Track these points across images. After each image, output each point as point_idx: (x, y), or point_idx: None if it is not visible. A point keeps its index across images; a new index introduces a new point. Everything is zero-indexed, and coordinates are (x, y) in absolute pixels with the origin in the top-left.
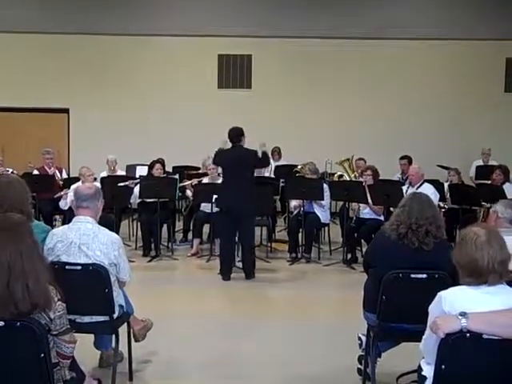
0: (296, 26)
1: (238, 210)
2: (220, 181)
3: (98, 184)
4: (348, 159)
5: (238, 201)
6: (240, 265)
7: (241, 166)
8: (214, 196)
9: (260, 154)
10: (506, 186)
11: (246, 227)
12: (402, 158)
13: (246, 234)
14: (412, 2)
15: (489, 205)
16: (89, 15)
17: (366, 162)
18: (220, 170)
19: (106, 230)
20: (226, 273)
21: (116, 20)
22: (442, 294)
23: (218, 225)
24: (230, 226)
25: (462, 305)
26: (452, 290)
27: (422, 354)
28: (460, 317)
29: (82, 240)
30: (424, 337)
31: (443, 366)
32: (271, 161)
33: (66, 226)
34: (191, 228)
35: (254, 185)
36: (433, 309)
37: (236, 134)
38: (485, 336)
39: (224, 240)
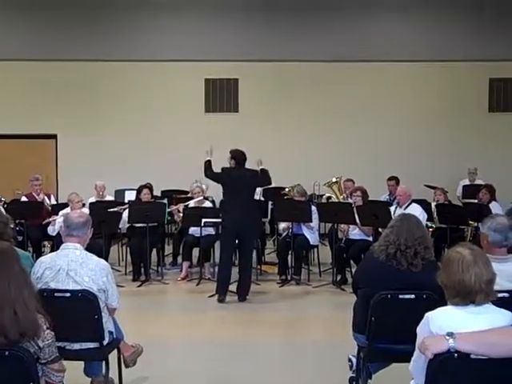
0: (281, 50)
1: (243, 228)
2: (207, 204)
3: (86, 210)
4: (337, 181)
5: (244, 220)
6: (231, 287)
7: (247, 185)
8: (203, 220)
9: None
10: (493, 205)
11: (247, 248)
12: (390, 178)
13: (247, 254)
14: (397, 26)
15: (476, 224)
16: (75, 42)
17: (354, 183)
18: (206, 193)
19: (94, 257)
20: (222, 293)
21: (102, 46)
22: (429, 314)
23: (220, 243)
24: (231, 246)
25: (449, 325)
26: (439, 310)
27: (412, 375)
28: (447, 337)
29: (70, 266)
30: (413, 358)
31: None
32: None
33: (53, 253)
34: (181, 252)
35: (256, 205)
36: (420, 330)
37: (243, 157)
38: (472, 356)
39: (224, 259)
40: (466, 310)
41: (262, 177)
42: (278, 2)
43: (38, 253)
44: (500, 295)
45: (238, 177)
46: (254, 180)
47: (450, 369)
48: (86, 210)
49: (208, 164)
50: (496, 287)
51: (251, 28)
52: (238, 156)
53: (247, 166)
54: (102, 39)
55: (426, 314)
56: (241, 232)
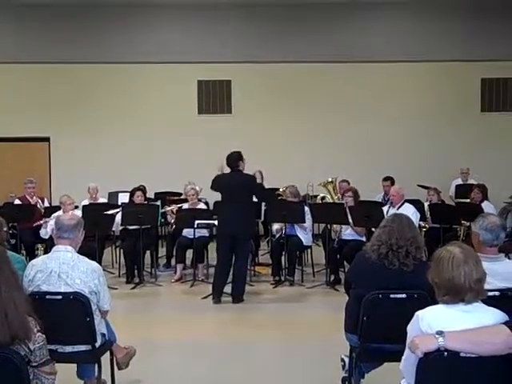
0: (274, 51)
1: (237, 235)
2: (201, 206)
3: (78, 212)
4: (332, 181)
5: (238, 226)
6: (226, 289)
7: (240, 191)
8: (196, 221)
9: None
10: (485, 205)
11: (243, 251)
12: (385, 179)
13: (242, 258)
14: (392, 26)
15: (468, 223)
16: (67, 44)
17: (349, 183)
18: (200, 195)
19: (86, 259)
20: (217, 295)
21: (94, 49)
22: (419, 313)
23: (216, 247)
24: (228, 249)
25: (439, 324)
26: (429, 309)
27: (402, 374)
28: (437, 336)
29: (62, 269)
30: (403, 357)
31: None
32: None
33: (45, 255)
34: (174, 253)
35: (252, 210)
36: (410, 328)
37: (234, 159)
38: (462, 354)
39: (220, 262)
40: (455, 308)
41: (259, 192)
42: (271, 2)
43: (32, 256)
44: (491, 294)
45: (231, 182)
46: (248, 185)
47: (440, 367)
48: (79, 212)
49: (216, 177)
50: (487, 286)
51: (243, 29)
52: (229, 160)
53: (247, 165)
54: (94, 42)
55: (416, 313)
56: (235, 238)
